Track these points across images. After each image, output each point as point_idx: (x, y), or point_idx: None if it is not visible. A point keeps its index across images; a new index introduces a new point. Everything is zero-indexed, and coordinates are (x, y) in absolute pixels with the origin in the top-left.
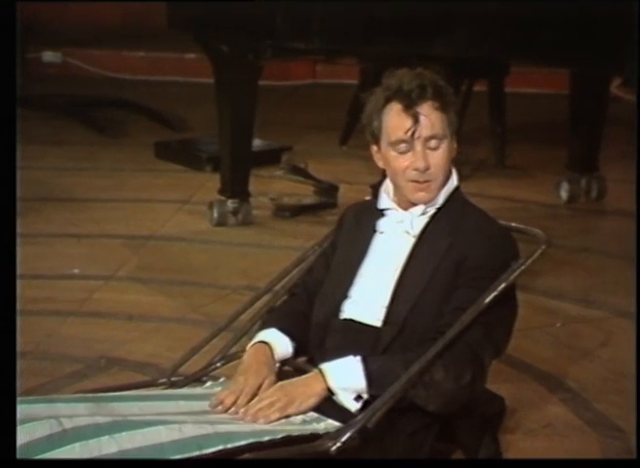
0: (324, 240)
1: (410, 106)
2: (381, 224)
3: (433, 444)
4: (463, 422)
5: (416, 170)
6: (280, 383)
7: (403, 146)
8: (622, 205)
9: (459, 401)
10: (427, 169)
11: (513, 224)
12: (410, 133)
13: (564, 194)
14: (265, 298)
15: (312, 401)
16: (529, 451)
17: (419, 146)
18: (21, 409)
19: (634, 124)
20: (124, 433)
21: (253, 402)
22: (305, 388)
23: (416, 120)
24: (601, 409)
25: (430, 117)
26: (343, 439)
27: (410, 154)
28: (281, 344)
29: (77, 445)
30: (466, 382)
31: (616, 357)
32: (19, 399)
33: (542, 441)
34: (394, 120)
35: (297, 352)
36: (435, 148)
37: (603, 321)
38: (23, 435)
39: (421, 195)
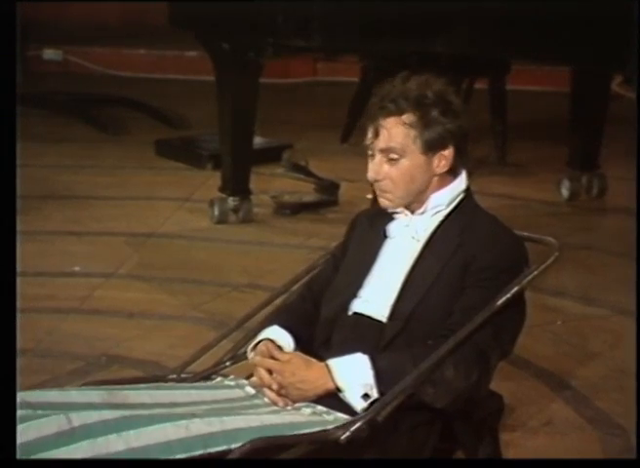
0: (336, 248)
1: (373, 119)
2: (391, 229)
3: (435, 443)
4: (463, 421)
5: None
6: (288, 369)
7: (369, 152)
8: (623, 202)
9: (465, 398)
10: (376, 180)
11: (526, 234)
12: (369, 142)
13: (565, 192)
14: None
15: (314, 395)
16: (529, 450)
17: (377, 157)
18: (36, 396)
19: (635, 121)
20: (131, 431)
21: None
22: (310, 385)
23: (376, 133)
24: (602, 406)
25: (391, 131)
26: (353, 428)
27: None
28: (283, 340)
29: (85, 443)
30: (474, 380)
31: (616, 354)
32: (25, 390)
33: (543, 439)
34: (366, 129)
35: (297, 348)
36: (394, 162)
37: (604, 319)
38: (32, 431)
39: (382, 201)
